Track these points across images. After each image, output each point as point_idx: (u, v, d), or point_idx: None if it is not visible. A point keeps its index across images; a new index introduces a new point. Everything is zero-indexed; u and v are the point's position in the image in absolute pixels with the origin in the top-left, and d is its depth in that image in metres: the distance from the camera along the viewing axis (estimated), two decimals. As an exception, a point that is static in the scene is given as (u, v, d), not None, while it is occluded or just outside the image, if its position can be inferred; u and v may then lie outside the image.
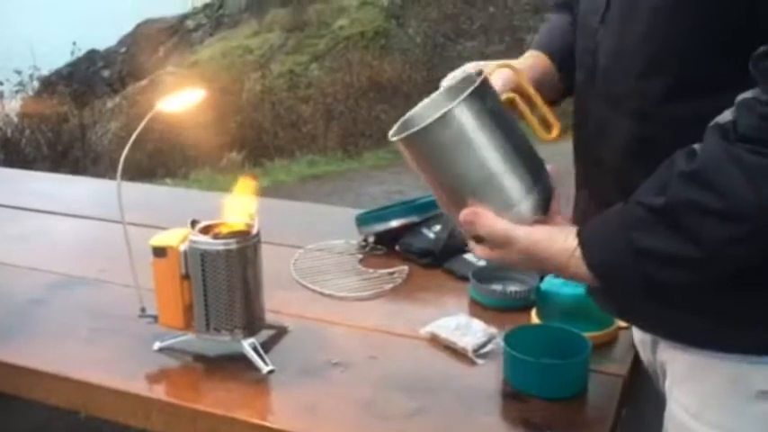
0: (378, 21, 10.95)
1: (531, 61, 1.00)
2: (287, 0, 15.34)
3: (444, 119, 0.71)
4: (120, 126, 5.59)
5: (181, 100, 0.99)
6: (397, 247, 1.41)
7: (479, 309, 1.19)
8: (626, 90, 0.82)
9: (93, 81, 11.18)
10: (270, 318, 1.09)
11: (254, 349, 1.03)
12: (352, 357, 1.04)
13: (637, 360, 0.98)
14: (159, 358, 1.06)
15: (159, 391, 1.01)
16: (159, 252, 1.01)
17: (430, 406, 0.93)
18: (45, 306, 1.22)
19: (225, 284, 1.01)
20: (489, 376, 1.00)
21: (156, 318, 1.05)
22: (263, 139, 5.00)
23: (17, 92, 5.68)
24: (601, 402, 0.93)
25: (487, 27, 10.22)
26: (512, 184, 0.74)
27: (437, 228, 1.39)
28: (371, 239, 1.46)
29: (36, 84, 6.36)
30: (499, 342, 1.04)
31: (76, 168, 4.50)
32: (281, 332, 1.11)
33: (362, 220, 1.47)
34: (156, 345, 1.06)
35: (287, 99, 7.13)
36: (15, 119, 5.26)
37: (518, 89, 0.91)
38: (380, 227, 1.44)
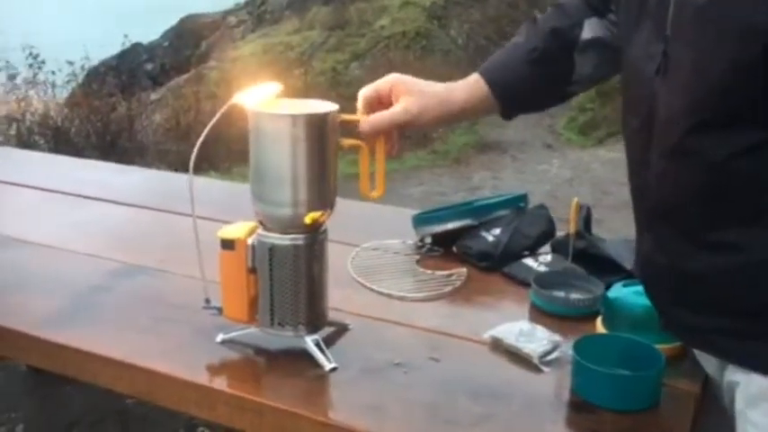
0: (419, 21, 10.92)
1: (460, 88, 1.06)
2: (329, -2, 15.39)
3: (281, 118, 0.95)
4: (165, 118, 5.67)
5: (256, 93, 0.99)
6: (454, 249, 1.40)
7: (540, 315, 1.17)
8: (695, 143, 0.80)
9: (137, 73, 11.36)
10: (330, 315, 1.09)
11: (318, 346, 1.02)
12: (414, 359, 1.03)
13: (707, 376, 0.96)
14: (221, 350, 1.06)
15: (223, 383, 1.01)
16: (227, 244, 1.02)
17: (496, 413, 0.92)
18: (107, 293, 1.23)
19: (291, 279, 1.01)
20: (555, 385, 0.98)
21: (220, 310, 1.05)
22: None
23: (68, 82, 5.80)
24: (673, 418, 0.91)
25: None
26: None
27: (496, 231, 1.37)
28: (428, 240, 1.45)
29: (82, 75, 6.49)
30: (565, 350, 1.02)
31: (123, 158, 4.57)
32: (341, 330, 1.11)
33: (419, 221, 1.46)
34: (220, 336, 1.07)
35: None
36: (65, 108, 5.37)
37: (385, 134, 1.01)
38: (437, 228, 1.43)
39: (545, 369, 1.00)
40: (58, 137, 4.95)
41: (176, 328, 1.12)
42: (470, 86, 1.06)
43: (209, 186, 1.85)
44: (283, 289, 1.01)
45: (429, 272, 1.33)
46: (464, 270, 1.32)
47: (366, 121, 1.01)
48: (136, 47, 13.00)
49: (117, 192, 1.74)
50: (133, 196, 1.72)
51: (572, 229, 1.20)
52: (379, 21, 11.10)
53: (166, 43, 15.70)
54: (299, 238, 1.00)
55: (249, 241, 1.02)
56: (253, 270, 1.02)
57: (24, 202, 1.72)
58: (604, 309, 1.09)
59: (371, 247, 1.44)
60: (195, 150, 1.01)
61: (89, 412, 2.05)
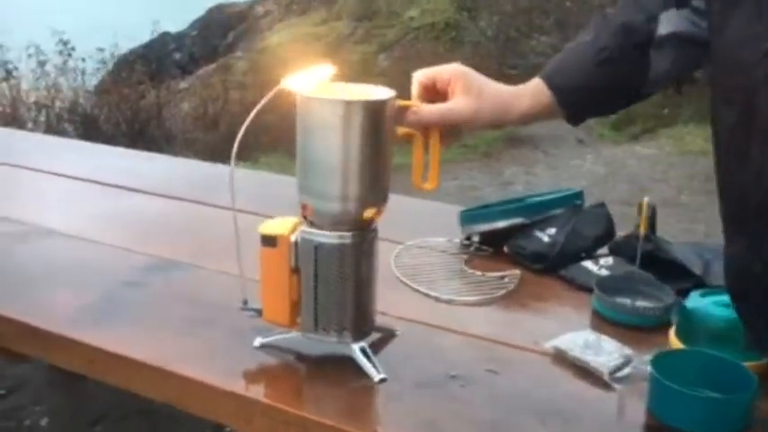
0: (448, 12, 10.78)
1: (524, 95, 0.96)
2: (357, -11, 15.28)
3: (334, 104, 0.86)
4: (193, 107, 5.62)
5: (306, 76, 0.90)
6: (505, 249, 1.31)
7: (602, 323, 1.07)
8: None
9: (165, 62, 11.38)
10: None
11: (365, 354, 0.94)
12: (471, 370, 0.95)
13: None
14: (258, 355, 0.98)
15: (261, 392, 0.93)
16: (268, 241, 0.93)
17: (565, 434, 0.83)
18: (139, 290, 1.16)
19: (337, 281, 0.92)
20: (629, 405, 0.88)
21: (259, 312, 0.97)
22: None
23: (98, 69, 5.77)
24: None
25: (563, 22, 9.94)
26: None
27: (552, 230, 1.27)
28: (476, 239, 1.35)
29: (112, 63, 6.47)
30: (638, 366, 0.92)
31: (151, 146, 4.53)
32: (387, 336, 1.02)
33: (466, 218, 1.37)
34: (258, 341, 0.99)
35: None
36: (95, 96, 5.34)
37: (444, 126, 0.93)
38: (486, 226, 1.33)
39: (616, 386, 0.91)
40: (87, 124, 4.92)
41: (211, 330, 1.04)
42: (534, 93, 0.97)
43: (242, 177, 1.76)
44: (329, 291, 0.93)
45: (479, 273, 1.24)
46: (517, 272, 1.23)
47: (415, 112, 0.93)
48: (164, 36, 13.02)
49: (148, 181, 1.67)
50: (164, 186, 1.65)
51: (642, 229, 1.10)
52: (407, 11, 10.98)
53: (194, 33, 15.73)
54: (347, 236, 0.91)
55: (293, 238, 0.93)
56: (296, 270, 0.94)
57: (54, 190, 1.66)
58: (680, 319, 0.99)
59: (415, 244, 1.35)
60: (237, 140, 0.93)
61: (115, 407, 1.99)
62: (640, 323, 1.06)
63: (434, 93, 0.95)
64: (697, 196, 4.38)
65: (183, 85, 7.82)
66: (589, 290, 1.16)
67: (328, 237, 0.91)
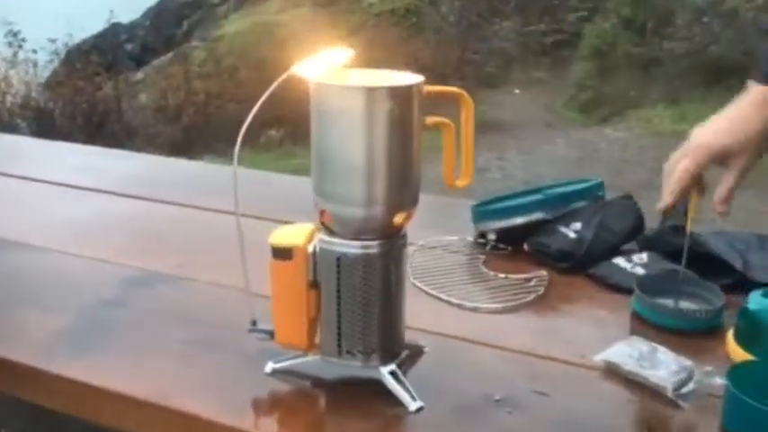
0: (408, -2, 10.63)
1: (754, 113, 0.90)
2: (315, -24, 15.04)
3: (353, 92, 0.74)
4: (154, 99, 5.38)
5: (318, 62, 0.77)
6: (525, 247, 1.20)
7: (645, 329, 0.97)
8: None
9: (117, 53, 11.02)
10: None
11: (396, 378, 0.82)
12: (515, 392, 0.83)
13: None
14: (270, 383, 0.85)
15: (274, 427, 0.81)
16: (282, 253, 0.80)
17: (638, 466, 0.72)
18: (122, 309, 1.01)
19: (363, 297, 0.80)
20: (702, 424, 0.78)
21: (271, 333, 0.84)
22: (302, 116, 4.75)
23: (50, 61, 5.48)
24: None
25: (524, 6, 9.89)
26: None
27: (577, 225, 1.17)
28: (491, 237, 1.24)
29: (63, 53, 6.17)
30: (703, 380, 0.82)
31: (112, 142, 4.31)
32: (415, 353, 0.90)
33: (480, 215, 1.25)
34: (269, 366, 0.86)
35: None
36: (48, 89, 5.06)
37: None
38: (502, 223, 1.22)
39: (683, 404, 0.80)
40: (41, 119, 4.65)
41: (213, 355, 0.91)
42: (760, 106, 0.90)
43: (226, 175, 1.62)
44: (353, 309, 0.80)
45: (502, 275, 1.13)
46: (544, 273, 1.12)
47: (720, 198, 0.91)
48: (115, 27, 12.61)
49: (119, 182, 1.52)
50: (138, 186, 1.50)
51: (689, 224, 1.00)
52: (367, -3, 10.81)
53: (147, 23, 15.30)
54: (373, 246, 0.79)
55: (310, 249, 0.81)
56: (314, 285, 0.81)
57: (11, 193, 1.49)
58: (743, 323, 0.89)
59: (427, 245, 1.23)
60: (239, 138, 0.79)
61: None
62: (687, 327, 0.96)
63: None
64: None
65: (138, 75, 7.54)
66: (624, 290, 1.06)
67: (352, 246, 0.79)
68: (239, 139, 0.79)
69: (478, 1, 10.15)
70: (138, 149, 4.23)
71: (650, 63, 6.63)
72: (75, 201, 1.43)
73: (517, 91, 7.56)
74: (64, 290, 1.07)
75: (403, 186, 0.78)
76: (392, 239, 0.80)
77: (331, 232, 0.80)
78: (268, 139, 4.46)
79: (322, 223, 0.81)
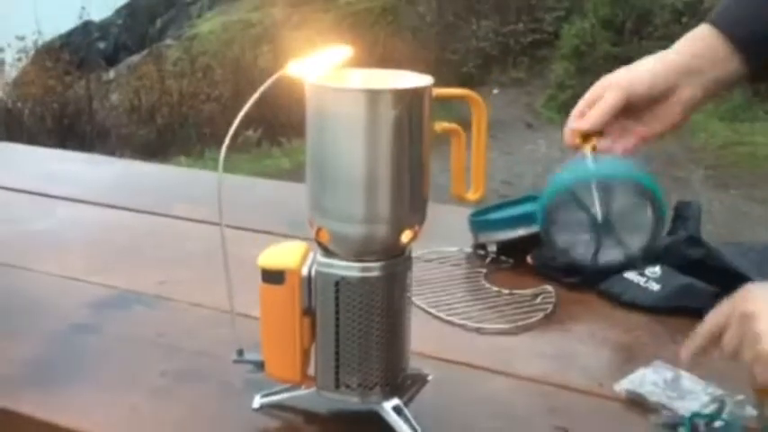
0: (385, -4, 10.57)
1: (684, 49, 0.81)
2: (290, -26, 14.93)
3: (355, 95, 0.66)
4: (129, 99, 5.23)
5: (315, 62, 0.69)
6: (528, 260, 1.12)
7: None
8: None
9: (89, 52, 10.83)
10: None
11: (400, 414, 0.73)
12: (534, 428, 0.75)
13: None
14: (257, 419, 0.77)
15: (268, 473, 0.72)
16: (273, 277, 0.72)
17: None
18: (94, 334, 0.92)
19: (364, 325, 0.72)
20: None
21: (260, 364, 0.76)
22: (279, 116, 4.68)
23: (18, 60, 5.29)
24: None
25: (502, 5, 9.87)
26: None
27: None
28: (492, 248, 1.16)
29: (32, 52, 5.98)
30: (735, 410, 0.75)
31: (83, 144, 4.17)
32: (419, 382, 0.82)
33: (479, 225, 1.17)
34: (257, 401, 0.77)
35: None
36: (15, 88, 4.89)
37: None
38: (504, 235, 1.15)
39: (717, 440, 0.73)
40: (8, 120, 4.47)
41: (195, 387, 0.82)
42: (696, 45, 0.81)
43: (209, 180, 1.52)
44: (353, 338, 0.72)
45: (505, 291, 1.05)
46: (550, 289, 1.05)
47: (582, 111, 0.80)
48: (87, 25, 12.36)
49: (90, 189, 1.42)
50: (111, 194, 1.39)
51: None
52: (343, -5, 10.72)
53: (120, 21, 15.06)
54: (375, 268, 0.71)
55: (304, 271, 0.72)
56: (309, 311, 0.73)
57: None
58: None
59: (425, 257, 1.15)
60: (224, 146, 0.71)
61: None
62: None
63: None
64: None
65: (111, 75, 7.37)
66: (638, 307, 0.99)
67: (352, 269, 0.70)
68: (224, 148, 0.71)
69: (456, 0, 10.12)
70: (111, 151, 4.11)
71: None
72: (42, 211, 1.32)
73: (496, 91, 7.53)
74: (28, 313, 0.96)
75: (411, 201, 0.70)
76: (397, 260, 0.72)
77: (328, 252, 0.71)
78: (245, 140, 4.35)
79: (318, 242, 0.72)
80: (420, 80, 0.69)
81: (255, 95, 0.68)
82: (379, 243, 0.70)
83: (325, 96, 0.68)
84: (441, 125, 0.72)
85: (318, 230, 0.71)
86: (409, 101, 0.67)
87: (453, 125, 0.73)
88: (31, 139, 3.94)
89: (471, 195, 0.76)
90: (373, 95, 0.67)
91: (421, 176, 0.70)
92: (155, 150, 4.09)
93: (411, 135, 0.68)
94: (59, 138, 4.25)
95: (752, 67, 0.80)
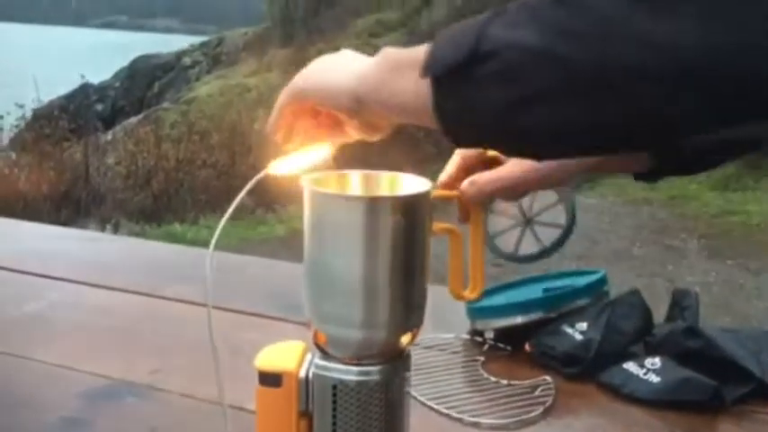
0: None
1: None
2: (287, 41, 15.28)
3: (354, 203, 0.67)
4: (125, 164, 5.26)
5: (298, 160, 0.71)
6: (527, 348, 1.11)
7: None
8: None
9: (86, 115, 10.98)
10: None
11: None
12: None
13: None
14: None
15: None
16: (270, 380, 0.71)
17: None
18: (85, 428, 0.90)
19: (362, 427, 0.70)
20: None
21: (255, 469, 0.74)
22: (274, 183, 4.68)
23: (17, 126, 5.33)
24: None
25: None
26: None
27: (583, 326, 1.09)
28: (489, 335, 1.16)
29: (29, 117, 6.03)
30: None
31: (79, 209, 4.17)
32: (416, 484, 0.80)
33: (476, 312, 1.17)
34: (252, 506, 0.75)
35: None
36: (13, 154, 4.91)
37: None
38: (502, 322, 1.14)
39: None
40: (6, 187, 4.47)
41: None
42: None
43: (201, 258, 1.52)
44: (351, 442, 0.70)
45: (504, 382, 1.04)
46: (549, 380, 1.04)
47: (473, 182, 0.75)
48: (85, 87, 12.54)
49: (87, 268, 1.41)
50: (107, 274, 1.39)
51: None
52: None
53: (118, 84, 15.30)
54: (373, 372, 0.70)
55: (302, 374, 0.71)
56: (306, 414, 0.72)
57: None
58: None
59: (422, 344, 1.14)
60: (219, 227, 0.71)
61: None
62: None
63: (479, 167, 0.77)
64: (649, 248, 4.34)
65: (108, 137, 7.44)
66: (639, 400, 0.98)
67: (350, 372, 0.70)
68: (216, 233, 0.71)
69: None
70: (106, 216, 4.11)
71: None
72: (34, 292, 1.31)
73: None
74: (14, 406, 0.94)
75: (409, 306, 0.70)
76: (396, 363, 0.71)
77: (326, 355, 0.71)
78: (240, 207, 4.35)
79: (315, 343, 0.72)
80: (419, 184, 0.70)
81: (242, 193, 0.70)
82: (378, 347, 0.69)
83: (324, 202, 0.68)
84: (438, 226, 0.72)
85: (316, 333, 0.71)
86: (410, 207, 0.68)
87: (451, 226, 0.73)
88: (26, 205, 3.94)
89: (469, 294, 0.76)
90: (373, 203, 0.67)
91: (420, 280, 0.70)
92: (149, 216, 4.09)
93: (410, 240, 0.68)
94: (55, 204, 4.26)
95: None
